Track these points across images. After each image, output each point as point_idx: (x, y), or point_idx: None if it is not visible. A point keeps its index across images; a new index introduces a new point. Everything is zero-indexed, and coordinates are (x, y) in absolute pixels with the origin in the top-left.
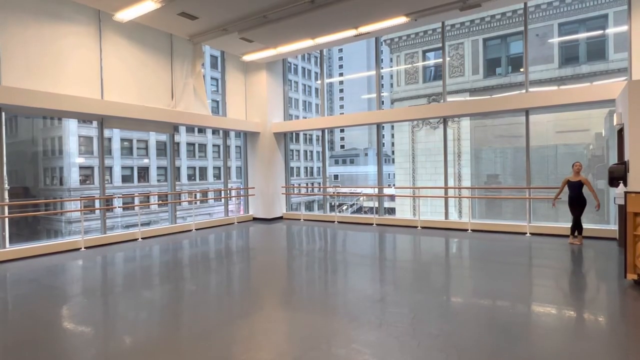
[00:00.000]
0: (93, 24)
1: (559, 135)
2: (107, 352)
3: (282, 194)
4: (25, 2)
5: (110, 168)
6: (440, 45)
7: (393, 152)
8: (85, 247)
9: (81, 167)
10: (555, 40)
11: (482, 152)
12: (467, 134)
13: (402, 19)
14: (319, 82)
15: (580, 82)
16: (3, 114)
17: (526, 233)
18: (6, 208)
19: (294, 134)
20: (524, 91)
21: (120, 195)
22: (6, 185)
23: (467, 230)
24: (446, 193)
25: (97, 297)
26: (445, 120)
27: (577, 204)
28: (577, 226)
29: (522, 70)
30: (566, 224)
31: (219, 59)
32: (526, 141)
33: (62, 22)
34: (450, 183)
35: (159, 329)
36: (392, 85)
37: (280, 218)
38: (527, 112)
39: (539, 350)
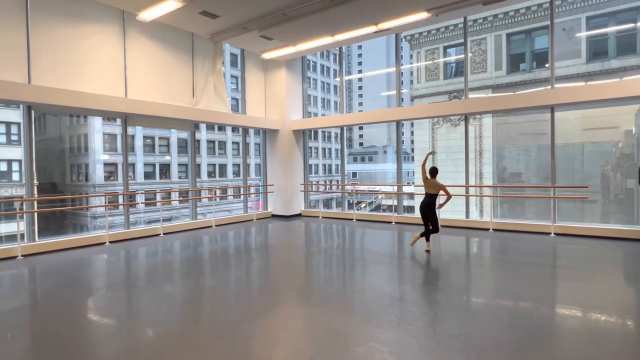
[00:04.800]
0: (117, 23)
1: (586, 133)
2: (131, 343)
3: (301, 191)
4: (53, 4)
5: (133, 165)
6: (461, 41)
7: (412, 150)
8: (109, 242)
9: (105, 164)
10: (583, 34)
11: (504, 150)
12: (489, 131)
13: (423, 15)
14: (337, 79)
15: (609, 77)
16: (32, 112)
17: (550, 233)
18: (35, 203)
19: (312, 131)
20: (549, 87)
21: (143, 192)
22: (35, 181)
23: (489, 229)
24: (467, 192)
25: (121, 291)
26: (466, 118)
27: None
28: (428, 231)
29: (547, 65)
30: (593, 224)
31: (239, 57)
32: (551, 139)
33: (88, 22)
34: (472, 181)
35: (179, 322)
36: (412, 82)
37: (299, 215)
38: (552, 108)
39: (563, 353)
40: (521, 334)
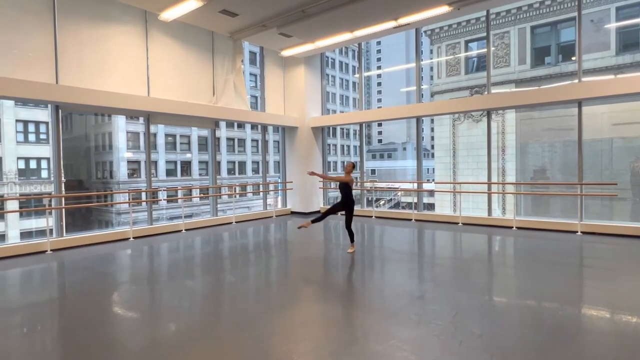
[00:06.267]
0: (140, 24)
1: (615, 128)
2: (154, 337)
3: (320, 188)
4: (79, 7)
5: (156, 162)
6: (484, 34)
7: (432, 147)
8: (133, 237)
9: (129, 162)
10: (613, 25)
11: (528, 146)
12: (512, 127)
13: (444, 9)
14: (356, 75)
15: None
16: (60, 111)
17: (577, 232)
18: (63, 199)
19: (331, 128)
20: (576, 81)
21: (165, 189)
22: (63, 178)
23: (512, 227)
24: (489, 189)
25: (144, 285)
26: (489, 113)
27: (345, 206)
28: (349, 234)
29: (574, 58)
30: (622, 223)
31: (258, 55)
32: (578, 134)
33: (112, 23)
34: (494, 178)
35: (200, 317)
36: (432, 77)
37: (318, 212)
38: (579, 103)
39: (592, 356)
40: (547, 335)
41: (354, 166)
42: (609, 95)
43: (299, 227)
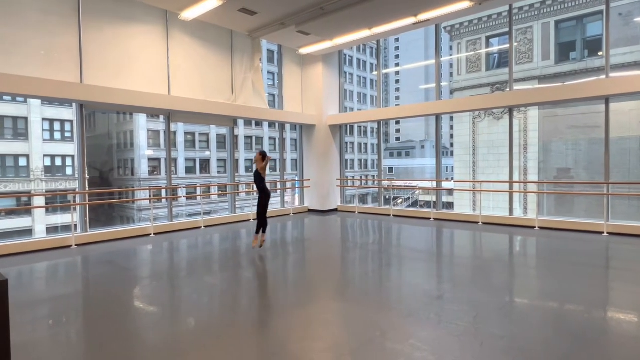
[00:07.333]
0: (161, 24)
1: None
2: (173, 331)
3: (337, 186)
4: (102, 8)
5: (175, 160)
6: (506, 30)
7: (452, 145)
8: (154, 233)
9: (150, 159)
10: None
11: (551, 144)
12: (535, 124)
13: (465, 4)
14: (374, 73)
15: None
16: (84, 110)
17: (603, 232)
18: (87, 196)
19: (348, 126)
20: (603, 77)
21: (185, 186)
22: (87, 175)
23: (535, 227)
24: (511, 187)
25: (164, 280)
26: (510, 111)
27: (260, 197)
28: (261, 224)
29: (600, 54)
30: None
31: (276, 53)
32: (605, 132)
33: (134, 23)
34: (516, 177)
35: (219, 313)
36: (451, 74)
37: (335, 210)
38: (607, 100)
39: (615, 359)
40: (571, 339)
41: (261, 154)
42: (639, 91)
43: (260, 246)
